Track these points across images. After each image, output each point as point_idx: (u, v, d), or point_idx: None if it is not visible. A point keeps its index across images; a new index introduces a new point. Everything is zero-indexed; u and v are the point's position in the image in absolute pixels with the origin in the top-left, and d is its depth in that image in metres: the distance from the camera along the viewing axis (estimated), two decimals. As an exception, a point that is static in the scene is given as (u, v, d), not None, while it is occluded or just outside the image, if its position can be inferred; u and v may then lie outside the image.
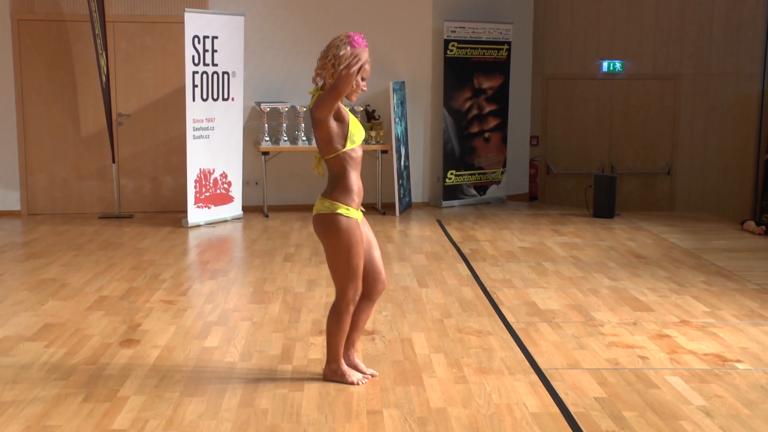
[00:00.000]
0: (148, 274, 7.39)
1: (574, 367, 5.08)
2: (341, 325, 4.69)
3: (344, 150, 4.55)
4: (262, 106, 10.40)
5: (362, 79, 4.56)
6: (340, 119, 4.53)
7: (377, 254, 4.79)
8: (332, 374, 4.82)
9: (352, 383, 4.75)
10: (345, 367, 4.80)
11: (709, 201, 12.77)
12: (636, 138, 12.99)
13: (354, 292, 4.64)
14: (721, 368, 5.07)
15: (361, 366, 4.90)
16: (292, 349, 5.39)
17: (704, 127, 12.92)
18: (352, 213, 4.57)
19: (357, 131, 4.59)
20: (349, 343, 4.87)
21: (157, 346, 5.42)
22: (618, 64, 12.84)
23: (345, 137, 4.54)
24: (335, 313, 4.69)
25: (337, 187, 4.57)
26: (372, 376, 4.87)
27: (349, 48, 4.49)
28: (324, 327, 5.58)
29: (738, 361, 5.20)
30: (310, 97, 11.19)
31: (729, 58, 12.81)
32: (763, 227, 9.49)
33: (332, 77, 4.48)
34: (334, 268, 4.64)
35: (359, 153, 4.63)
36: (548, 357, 5.26)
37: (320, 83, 4.61)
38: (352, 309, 4.69)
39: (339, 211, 4.53)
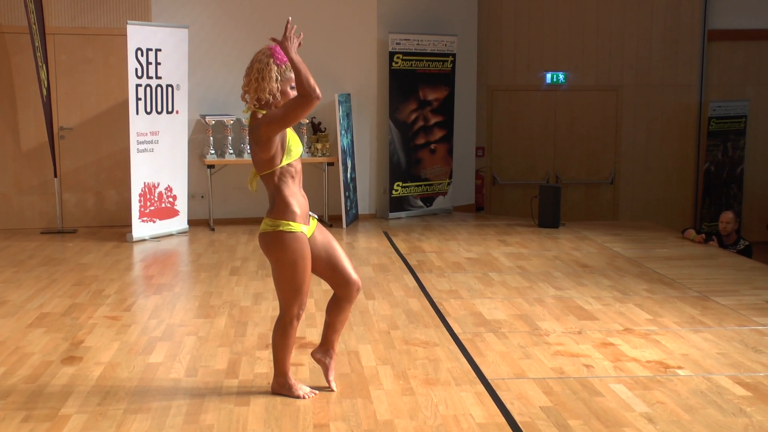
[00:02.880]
0: (92, 290, 7.29)
1: (520, 376, 5.12)
2: (286, 340, 4.67)
3: (281, 165, 4.52)
4: (207, 119, 10.33)
5: (290, 88, 4.53)
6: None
7: (341, 256, 4.75)
8: (280, 388, 4.79)
9: (299, 397, 4.73)
10: (292, 381, 4.78)
11: (651, 210, 12.97)
12: (580, 148, 13.16)
13: (299, 307, 4.63)
14: (663, 375, 5.15)
15: (330, 375, 4.89)
16: (238, 364, 5.35)
17: (646, 137, 13.13)
18: (296, 227, 4.53)
19: (295, 144, 4.57)
20: (328, 344, 4.86)
21: (100, 363, 5.34)
22: (561, 76, 13.01)
23: (283, 151, 4.52)
24: (280, 329, 4.67)
25: (276, 204, 4.53)
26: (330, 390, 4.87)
27: (272, 60, 4.49)
28: (270, 341, 5.55)
29: (679, 367, 5.28)
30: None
31: (668, 70, 13.04)
32: (703, 235, 9.66)
33: (257, 91, 4.46)
34: (278, 283, 4.61)
35: (298, 166, 4.61)
36: (494, 367, 5.28)
37: (252, 100, 4.53)
38: (296, 324, 4.68)
39: (281, 228, 4.50)
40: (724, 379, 5.06)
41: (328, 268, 4.72)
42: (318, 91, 4.31)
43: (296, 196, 4.57)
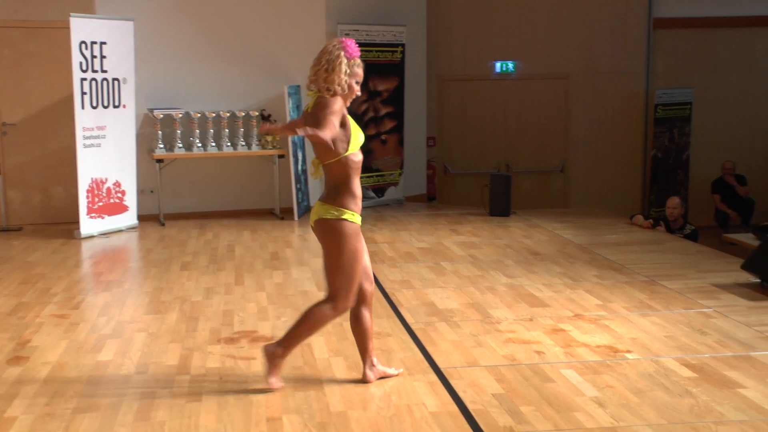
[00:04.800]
0: (39, 288, 7.18)
1: (473, 365, 5.15)
2: (317, 327, 4.71)
3: (346, 154, 4.52)
4: (155, 113, 10.22)
5: (356, 83, 4.59)
6: (343, 123, 4.53)
7: (368, 258, 4.82)
8: (271, 356, 4.70)
9: (271, 381, 4.70)
10: (282, 362, 4.76)
11: (600, 197, 13.09)
12: (530, 137, 13.25)
13: (352, 298, 4.64)
14: (612, 359, 5.21)
15: (389, 370, 4.93)
16: (190, 359, 5.31)
17: (595, 125, 13.26)
18: (357, 219, 4.59)
19: (357, 135, 4.60)
20: (368, 355, 4.83)
21: (48, 363, 5.26)
22: (511, 65, 13.08)
23: (348, 141, 4.53)
24: (321, 314, 4.64)
25: (342, 193, 4.55)
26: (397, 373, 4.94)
27: (343, 53, 4.52)
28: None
29: (628, 351, 5.35)
30: (207, 101, 11.01)
31: (616, 58, 13.18)
32: (651, 221, 9.80)
33: (326, 82, 4.49)
34: (335, 271, 4.60)
35: (360, 157, 4.63)
36: (447, 356, 5.31)
37: (323, 90, 4.54)
38: (337, 317, 4.69)
39: (345, 217, 4.55)
40: (671, 362, 5.14)
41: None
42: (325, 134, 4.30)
43: (358, 188, 4.62)
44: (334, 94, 4.51)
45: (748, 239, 9.35)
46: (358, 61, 4.58)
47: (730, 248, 9.68)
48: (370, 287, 4.79)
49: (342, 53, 4.53)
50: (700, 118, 13.34)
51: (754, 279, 7.04)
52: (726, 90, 13.47)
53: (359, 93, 4.67)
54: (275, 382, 4.73)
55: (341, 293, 4.60)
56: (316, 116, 4.42)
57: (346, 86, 4.54)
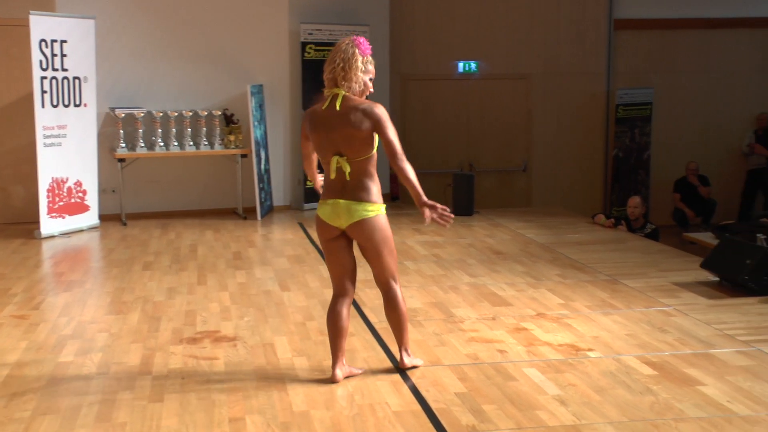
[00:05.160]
0: (-2, 289, 7.10)
1: (435, 364, 5.16)
2: (405, 308, 4.94)
3: (374, 150, 4.70)
4: (117, 111, 10.13)
5: (369, 80, 4.74)
6: None
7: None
8: (410, 360, 5.03)
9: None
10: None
11: (563, 196, 13.19)
12: (493, 137, 13.30)
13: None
14: (574, 358, 5.26)
15: (354, 370, 4.99)
16: (152, 360, 5.28)
17: (556, 125, 13.35)
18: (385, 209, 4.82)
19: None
20: (341, 354, 4.87)
21: (7, 364, 5.20)
22: (473, 65, 13.12)
23: (374, 138, 4.69)
24: (399, 301, 4.88)
25: (371, 188, 4.72)
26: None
27: (357, 51, 4.64)
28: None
29: (590, 349, 5.40)
30: (170, 100, 10.89)
31: (577, 59, 13.28)
32: (612, 220, 9.89)
33: (344, 80, 4.62)
34: (385, 261, 4.82)
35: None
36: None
37: (344, 88, 4.66)
38: None
39: (382, 211, 4.77)
40: (633, 360, 5.19)
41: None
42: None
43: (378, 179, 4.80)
44: (355, 92, 4.66)
45: (708, 238, 9.46)
46: (370, 58, 4.73)
47: (690, 247, 9.80)
48: (354, 286, 4.92)
49: (356, 51, 4.65)
50: (660, 118, 13.48)
51: (713, 277, 7.13)
52: (685, 90, 13.62)
53: (372, 90, 4.79)
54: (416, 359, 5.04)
55: (394, 274, 4.89)
56: (387, 134, 4.62)
57: (362, 84, 4.67)
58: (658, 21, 13.36)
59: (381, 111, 4.64)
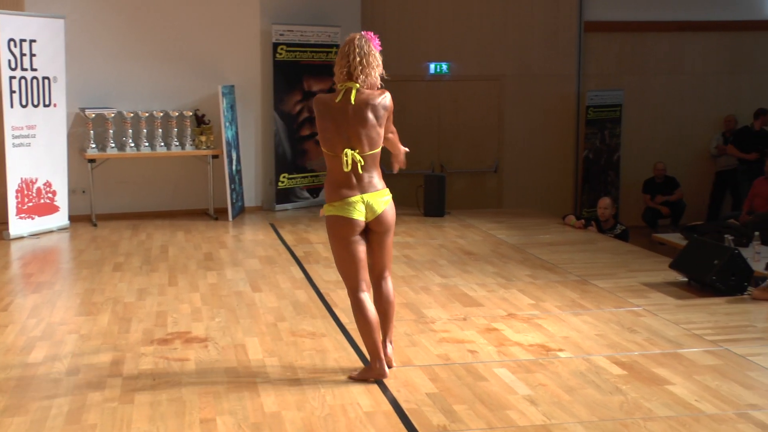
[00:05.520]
0: (-34, 290, 7.03)
1: (407, 364, 5.18)
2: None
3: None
4: (87, 112, 10.06)
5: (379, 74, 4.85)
6: None
7: None
8: (388, 358, 5.02)
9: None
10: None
11: (533, 197, 13.26)
12: (464, 138, 13.35)
13: None
14: (544, 358, 5.29)
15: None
16: (122, 361, 5.25)
17: (528, 126, 13.42)
18: None
19: None
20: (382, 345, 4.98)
21: (-24, 366, 5.16)
22: (445, 66, 13.16)
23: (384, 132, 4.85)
24: (392, 290, 5.00)
25: (381, 176, 4.85)
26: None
27: (372, 44, 4.78)
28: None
29: (560, 350, 5.44)
30: (140, 101, 10.81)
31: (548, 61, 13.35)
32: (583, 221, 9.95)
33: (363, 74, 4.71)
34: (391, 246, 4.94)
35: None
36: (381, 356, 5.32)
37: (364, 83, 4.75)
38: None
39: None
40: (602, 360, 5.23)
41: None
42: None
43: None
44: (367, 85, 4.76)
45: (677, 239, 9.55)
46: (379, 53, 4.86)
47: (659, 248, 9.90)
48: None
49: (371, 45, 4.77)
50: (629, 119, 13.59)
51: (681, 278, 7.21)
52: (654, 92, 13.75)
53: (381, 84, 4.88)
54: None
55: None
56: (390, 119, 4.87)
57: (377, 77, 4.78)
58: (627, 23, 13.48)
59: (390, 100, 4.81)
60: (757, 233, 8.40)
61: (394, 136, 5.01)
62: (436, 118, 13.28)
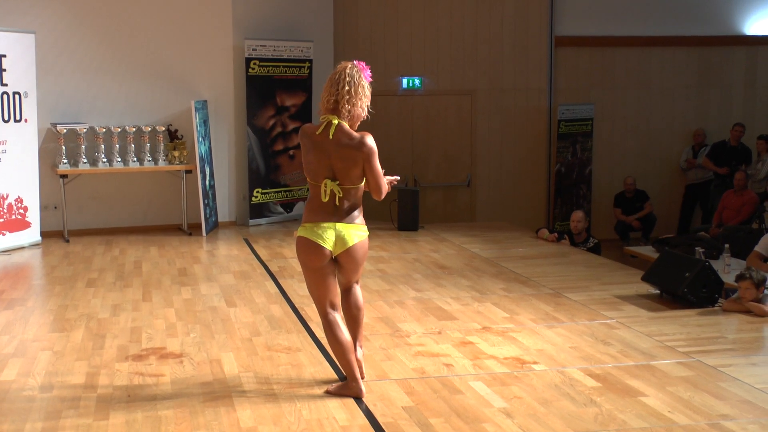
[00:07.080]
0: (-63, 308, 6.96)
1: (382, 378, 5.19)
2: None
3: (364, 182, 4.82)
4: (59, 127, 10.01)
5: (367, 106, 4.85)
6: None
7: None
8: (360, 362, 5.08)
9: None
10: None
11: (506, 211, 13.32)
12: (437, 152, 13.41)
13: None
14: (519, 371, 5.32)
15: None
16: (97, 377, 5.22)
17: (500, 140, 13.50)
18: None
19: None
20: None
21: (-52, 384, 5.11)
22: (417, 81, 13.22)
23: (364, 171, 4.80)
24: (360, 299, 5.10)
25: (361, 212, 4.84)
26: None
27: (362, 75, 4.76)
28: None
29: (535, 362, 5.48)
30: (113, 116, 10.76)
31: (519, 75, 13.46)
32: (556, 234, 10.02)
33: (349, 104, 4.70)
34: (359, 273, 5.01)
35: None
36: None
37: (344, 116, 4.73)
38: None
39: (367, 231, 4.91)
40: (576, 372, 5.28)
41: None
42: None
43: None
44: (354, 117, 4.75)
45: (648, 252, 9.65)
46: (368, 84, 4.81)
47: (631, 261, 9.99)
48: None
49: (362, 76, 4.75)
50: (600, 133, 13.71)
51: (653, 290, 7.28)
52: (624, 106, 13.89)
53: (367, 115, 4.88)
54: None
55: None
56: (374, 168, 4.75)
57: (364, 108, 4.77)
58: (597, 38, 13.61)
59: (370, 144, 4.71)
60: (727, 245, 8.51)
61: (374, 181, 4.79)
62: (409, 133, 13.33)
